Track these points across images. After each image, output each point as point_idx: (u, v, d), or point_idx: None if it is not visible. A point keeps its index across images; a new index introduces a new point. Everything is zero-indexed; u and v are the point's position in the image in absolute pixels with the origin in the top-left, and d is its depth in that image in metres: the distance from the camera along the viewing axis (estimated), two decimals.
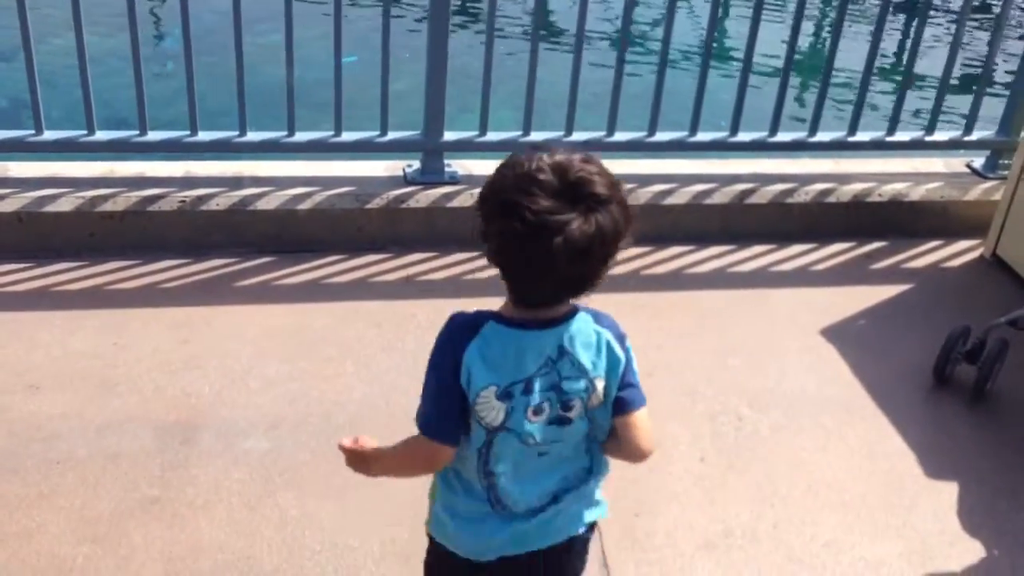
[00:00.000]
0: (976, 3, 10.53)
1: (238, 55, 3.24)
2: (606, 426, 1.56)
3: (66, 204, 3.16)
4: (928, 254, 3.57)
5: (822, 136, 3.73)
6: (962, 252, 3.58)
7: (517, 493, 1.55)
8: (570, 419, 1.52)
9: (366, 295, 3.13)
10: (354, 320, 2.99)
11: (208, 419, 2.57)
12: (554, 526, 1.59)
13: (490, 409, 1.48)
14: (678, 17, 3.47)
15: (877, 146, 3.78)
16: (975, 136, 3.82)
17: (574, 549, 1.65)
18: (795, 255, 3.51)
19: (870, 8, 9.88)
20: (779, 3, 8.67)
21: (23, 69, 3.15)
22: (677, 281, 3.33)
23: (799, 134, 3.72)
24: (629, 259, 3.39)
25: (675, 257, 3.44)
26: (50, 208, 3.14)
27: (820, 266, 3.48)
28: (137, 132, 3.29)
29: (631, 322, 3.02)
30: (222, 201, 3.25)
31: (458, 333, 1.50)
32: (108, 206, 3.18)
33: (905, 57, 3.85)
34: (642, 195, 3.50)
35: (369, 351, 2.87)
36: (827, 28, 10.28)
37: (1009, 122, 3.76)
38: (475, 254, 3.31)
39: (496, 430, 1.49)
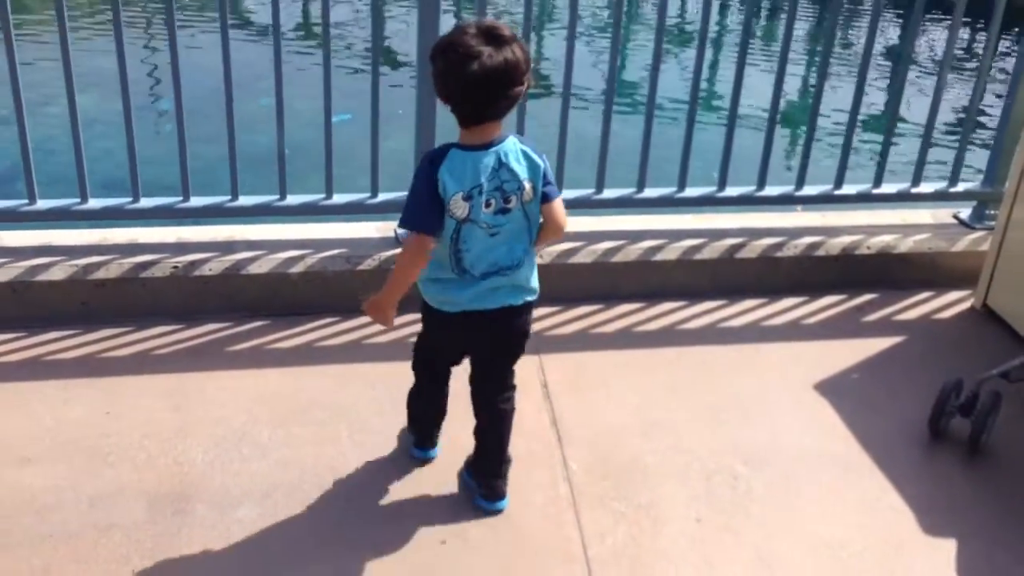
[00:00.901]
0: (960, 52, 10.72)
1: (229, 122, 3.28)
2: (537, 217, 2.32)
3: (59, 273, 3.17)
4: (919, 306, 3.58)
5: (809, 190, 3.77)
6: (953, 303, 3.60)
7: (476, 260, 2.28)
8: (510, 209, 2.26)
9: (359, 358, 3.13)
10: (348, 383, 2.99)
11: (200, 488, 2.55)
12: (499, 294, 2.33)
13: (458, 207, 2.22)
14: (667, 70, 3.51)
15: (864, 199, 3.82)
16: (961, 187, 3.85)
17: (515, 312, 2.38)
18: (786, 309, 3.53)
19: (855, 57, 10.03)
20: (766, 55, 8.81)
21: (17, 137, 3.18)
22: (669, 337, 3.34)
23: (787, 188, 3.76)
24: (621, 316, 3.41)
25: (666, 313, 3.45)
26: (43, 277, 3.14)
27: (811, 319, 3.49)
28: (130, 199, 3.31)
29: (624, 380, 3.06)
30: (215, 266, 3.27)
31: (434, 159, 2.22)
32: (101, 274, 3.18)
33: (890, 107, 3.87)
34: (632, 252, 3.52)
35: (363, 415, 2.86)
36: (813, 79, 10.45)
37: (994, 173, 3.80)
38: None
39: (463, 221, 2.23)
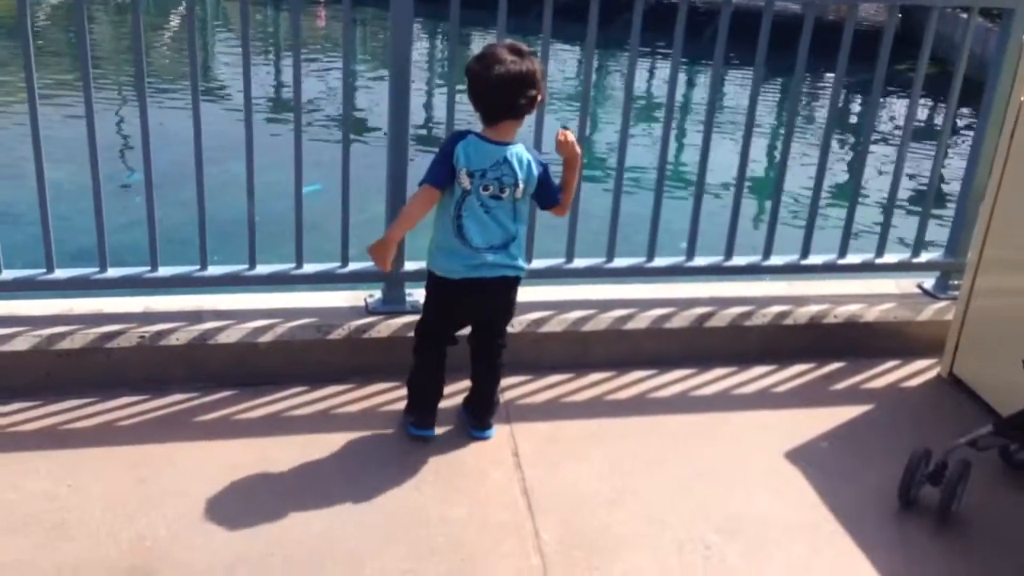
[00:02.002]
0: (921, 125, 11.00)
1: (199, 192, 3.29)
2: (524, 210, 2.91)
3: (22, 343, 3.12)
4: (886, 374, 3.61)
5: (776, 260, 3.81)
6: (919, 372, 3.63)
7: (473, 233, 2.82)
8: (502, 198, 2.82)
9: (328, 427, 3.10)
10: (316, 453, 2.95)
11: (164, 563, 2.49)
12: (495, 267, 2.86)
13: (463, 180, 2.79)
14: (634, 142, 3.57)
15: (829, 268, 3.87)
16: (924, 258, 3.92)
17: (507, 284, 2.93)
18: (756, 377, 3.54)
19: (817, 130, 10.26)
20: (731, 127, 8.99)
21: None
22: (639, 406, 3.34)
23: (754, 258, 3.80)
24: (591, 385, 3.41)
25: (637, 382, 3.45)
26: (5, 348, 3.10)
27: (781, 388, 3.51)
28: (97, 269, 3.29)
29: (595, 449, 3.05)
30: (182, 335, 3.24)
31: (458, 137, 2.83)
32: (65, 344, 3.15)
33: (853, 179, 3.96)
34: (603, 320, 3.53)
35: (331, 485, 2.82)
36: (778, 151, 10.66)
37: (956, 243, 3.87)
38: None
39: (465, 193, 2.80)
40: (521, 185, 2.82)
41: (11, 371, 3.11)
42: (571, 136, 2.92)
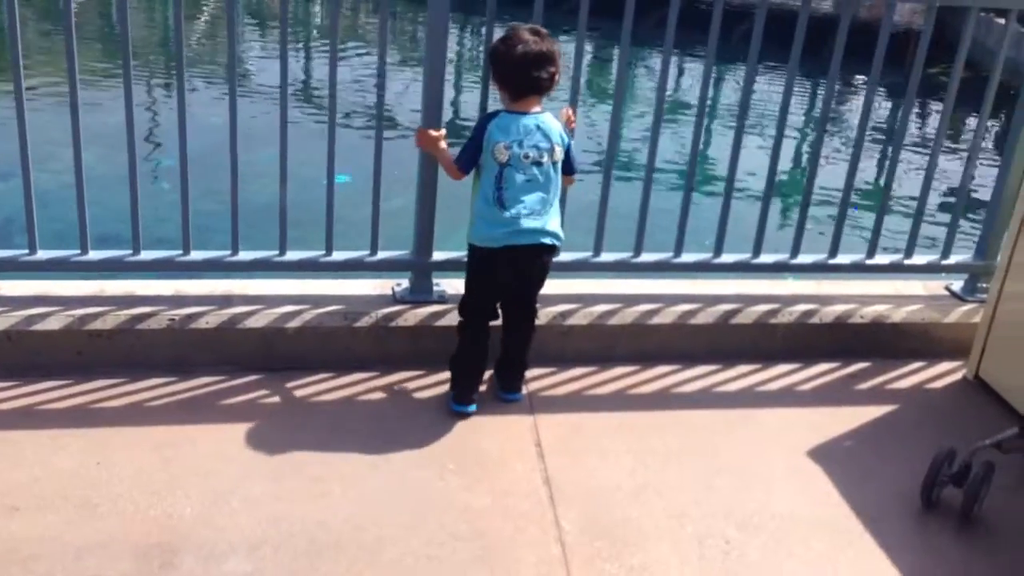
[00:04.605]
0: (951, 131, 10.90)
1: (233, 178, 3.32)
2: (558, 180, 3.06)
3: (55, 323, 3.17)
4: (911, 375, 3.59)
5: (803, 258, 3.80)
6: (945, 373, 3.61)
7: (512, 200, 2.97)
8: (542, 163, 2.99)
9: (353, 414, 3.13)
10: (340, 439, 2.98)
11: (189, 541, 2.53)
12: (534, 233, 3.00)
13: (501, 154, 2.96)
14: (664, 138, 3.57)
15: (857, 268, 3.85)
16: (953, 260, 3.90)
17: (544, 252, 3.07)
18: (780, 375, 3.54)
19: (848, 129, 10.20)
20: (763, 124, 8.96)
21: (19, 188, 3.22)
22: (664, 401, 3.34)
23: (781, 256, 3.80)
24: (616, 379, 3.42)
25: (661, 377, 3.46)
26: (39, 327, 3.15)
27: (805, 386, 3.50)
28: (130, 251, 3.33)
29: (617, 442, 3.06)
30: (211, 319, 3.28)
31: (488, 117, 3.03)
32: (97, 324, 3.19)
33: (884, 179, 3.94)
34: (628, 315, 3.54)
35: (356, 470, 2.85)
36: (807, 148, 10.60)
37: (985, 246, 3.85)
38: None
39: (504, 165, 2.96)
40: (557, 147, 3.01)
41: (43, 350, 3.16)
42: (572, 115, 3.23)
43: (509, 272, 3.05)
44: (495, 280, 3.08)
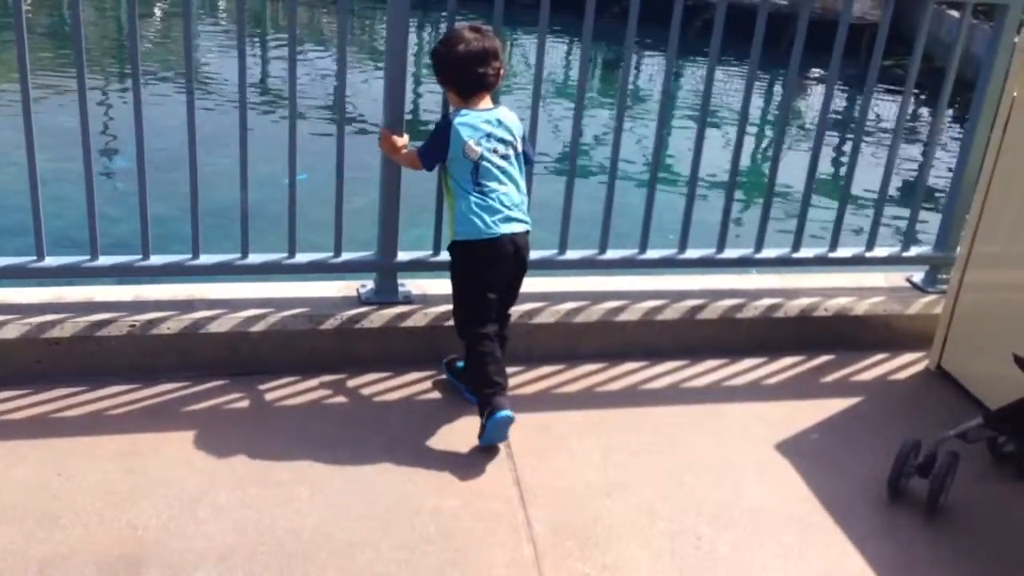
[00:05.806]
0: (909, 122, 11.05)
1: (192, 180, 3.26)
2: (522, 166, 3.11)
3: (12, 331, 3.10)
4: (875, 367, 3.63)
5: (767, 253, 3.83)
6: (908, 364, 3.65)
7: (493, 191, 2.99)
8: (509, 155, 3.04)
9: (320, 417, 3.09)
10: (307, 443, 2.95)
11: (154, 552, 2.49)
12: (517, 220, 3.03)
13: (471, 151, 2.97)
14: (624, 135, 3.56)
15: (820, 262, 3.88)
16: (913, 252, 3.94)
17: (523, 237, 3.07)
18: (747, 369, 3.56)
19: (809, 124, 10.29)
20: (720, 117, 9.01)
21: None
22: (632, 398, 3.35)
23: (746, 251, 3.82)
24: (583, 376, 3.41)
25: (628, 373, 3.46)
26: None
27: (772, 380, 3.52)
28: (88, 257, 3.26)
29: (586, 440, 3.05)
30: (173, 324, 3.22)
31: (451, 117, 3.01)
32: (55, 332, 3.13)
33: (844, 173, 3.97)
34: (595, 312, 3.54)
35: (324, 475, 2.82)
36: (766, 143, 10.68)
37: (945, 237, 3.89)
38: (430, 374, 3.32)
39: (478, 160, 2.98)
40: (517, 138, 3.07)
41: (1, 359, 3.09)
42: None
43: (498, 262, 3.02)
44: (484, 274, 3.02)
